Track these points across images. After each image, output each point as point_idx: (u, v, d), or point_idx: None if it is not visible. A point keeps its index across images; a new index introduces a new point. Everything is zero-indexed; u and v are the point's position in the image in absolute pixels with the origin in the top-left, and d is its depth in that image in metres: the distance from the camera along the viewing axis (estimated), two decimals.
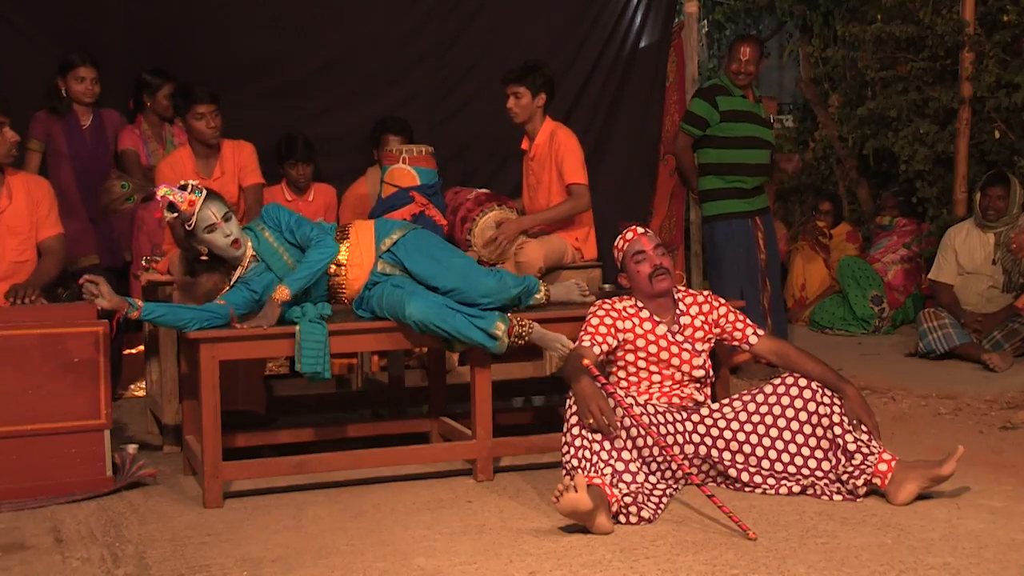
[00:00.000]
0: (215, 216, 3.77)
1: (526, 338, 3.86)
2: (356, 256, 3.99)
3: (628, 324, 3.75)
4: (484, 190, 5.16)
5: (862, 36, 7.24)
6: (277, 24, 5.59)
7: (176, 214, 3.76)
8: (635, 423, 3.45)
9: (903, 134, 6.99)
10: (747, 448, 3.61)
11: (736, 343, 3.88)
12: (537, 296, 4.11)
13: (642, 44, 6.36)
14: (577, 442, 3.38)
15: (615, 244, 3.88)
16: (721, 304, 3.88)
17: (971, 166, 6.83)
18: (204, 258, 3.89)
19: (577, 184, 4.97)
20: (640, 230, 3.83)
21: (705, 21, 9.95)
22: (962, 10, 6.73)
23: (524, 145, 5.22)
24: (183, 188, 3.75)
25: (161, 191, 3.75)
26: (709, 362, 3.83)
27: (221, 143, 4.72)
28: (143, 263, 4.85)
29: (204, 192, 3.77)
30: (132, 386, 5.65)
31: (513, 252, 4.88)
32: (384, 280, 3.96)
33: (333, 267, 3.96)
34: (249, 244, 3.89)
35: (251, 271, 3.87)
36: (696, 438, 3.62)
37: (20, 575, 3.00)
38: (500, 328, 3.80)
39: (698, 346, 3.80)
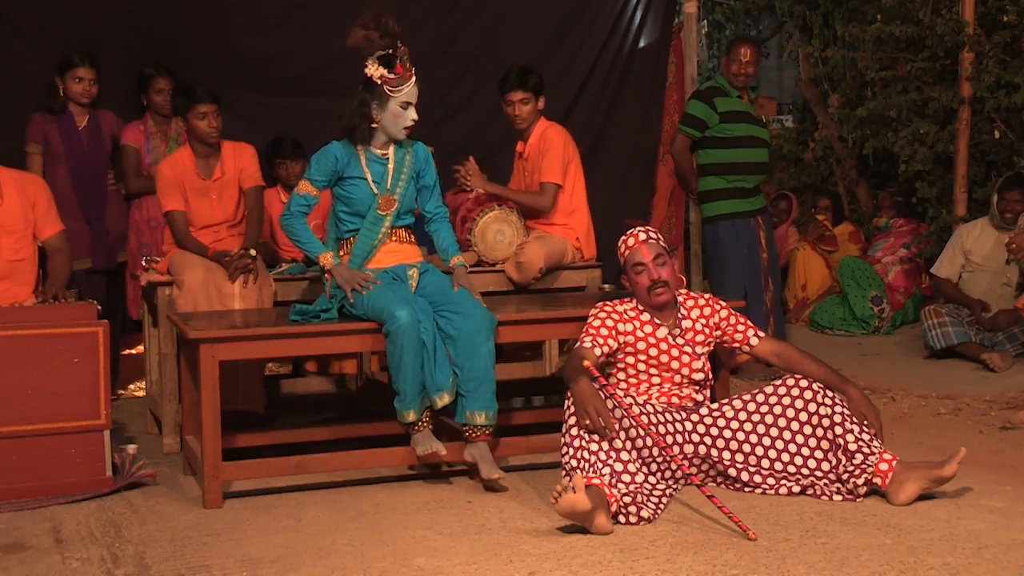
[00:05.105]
0: (414, 99, 3.88)
1: (412, 437, 3.85)
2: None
3: (629, 327, 3.75)
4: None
5: (862, 36, 7.25)
6: (276, 24, 5.59)
7: (393, 75, 3.82)
8: (635, 423, 3.45)
9: (903, 134, 6.99)
10: (747, 448, 3.61)
11: (737, 345, 3.87)
12: None
13: (641, 44, 6.36)
14: (576, 443, 3.38)
15: (618, 245, 3.83)
16: (722, 307, 3.87)
17: (971, 166, 6.83)
18: (374, 125, 3.95)
19: (549, 183, 4.95)
20: (641, 236, 3.74)
21: (705, 21, 9.96)
22: (962, 10, 6.72)
23: (520, 148, 5.21)
24: (401, 60, 3.82)
25: (401, 48, 3.82)
26: (708, 365, 3.83)
27: (221, 144, 4.71)
28: (143, 263, 4.85)
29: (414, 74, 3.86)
30: (132, 386, 5.65)
31: (514, 252, 4.88)
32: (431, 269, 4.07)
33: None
34: (411, 150, 4.02)
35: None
36: (696, 438, 3.62)
37: (20, 575, 3.00)
38: (439, 402, 3.81)
39: (698, 349, 3.79)
